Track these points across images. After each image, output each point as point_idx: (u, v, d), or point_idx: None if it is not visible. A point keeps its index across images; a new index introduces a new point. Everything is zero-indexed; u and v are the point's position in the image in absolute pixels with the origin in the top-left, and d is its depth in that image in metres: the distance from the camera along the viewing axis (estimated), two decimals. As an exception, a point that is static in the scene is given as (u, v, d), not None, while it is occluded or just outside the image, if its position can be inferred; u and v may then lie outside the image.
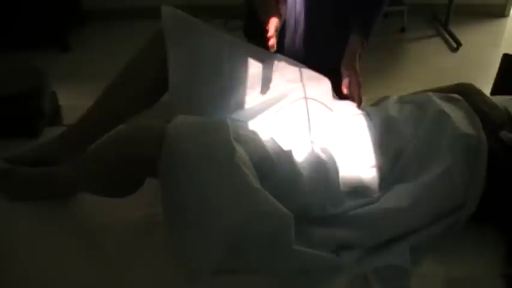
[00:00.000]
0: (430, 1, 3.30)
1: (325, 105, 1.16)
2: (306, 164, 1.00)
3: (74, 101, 1.96)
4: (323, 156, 1.02)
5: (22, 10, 2.79)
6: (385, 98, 1.28)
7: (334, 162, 1.03)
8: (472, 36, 3.08)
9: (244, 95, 1.15)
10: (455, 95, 1.15)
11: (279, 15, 1.11)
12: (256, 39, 1.24)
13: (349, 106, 1.23)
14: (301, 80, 1.20)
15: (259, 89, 1.17)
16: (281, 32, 1.19)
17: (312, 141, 1.06)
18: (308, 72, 1.23)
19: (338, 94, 1.27)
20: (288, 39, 1.33)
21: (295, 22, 1.29)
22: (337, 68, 1.29)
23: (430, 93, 1.16)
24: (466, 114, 1.09)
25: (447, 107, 1.09)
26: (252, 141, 0.97)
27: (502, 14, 3.36)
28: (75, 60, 2.90)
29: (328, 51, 1.30)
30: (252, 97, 1.16)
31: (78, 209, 1.10)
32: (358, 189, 1.05)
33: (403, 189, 1.01)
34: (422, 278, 0.95)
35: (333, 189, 1.01)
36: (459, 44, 2.97)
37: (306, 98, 1.14)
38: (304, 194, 0.98)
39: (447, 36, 3.09)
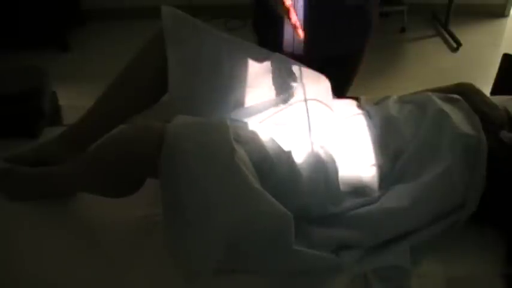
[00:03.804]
0: (430, 1, 3.30)
1: (325, 105, 1.16)
2: (305, 165, 1.00)
3: (74, 101, 1.96)
4: (323, 156, 1.02)
5: (22, 10, 2.79)
6: (386, 98, 1.28)
7: (334, 162, 1.03)
8: (472, 36, 3.08)
9: (243, 94, 1.15)
10: (455, 96, 1.15)
11: None
12: (264, 32, 1.24)
13: (349, 106, 1.23)
14: (301, 80, 1.20)
15: (258, 88, 1.17)
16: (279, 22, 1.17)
17: (312, 142, 1.06)
18: (308, 72, 1.23)
19: (338, 88, 1.26)
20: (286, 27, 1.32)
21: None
22: (336, 57, 1.28)
23: (430, 93, 1.16)
24: (465, 115, 1.09)
25: (447, 107, 1.09)
26: (252, 142, 0.97)
27: (502, 14, 3.36)
28: (75, 60, 2.90)
29: (328, 40, 1.30)
30: (252, 97, 1.16)
31: (78, 208, 1.10)
32: (358, 189, 1.05)
33: (403, 189, 1.01)
34: (422, 278, 0.95)
35: (333, 189, 1.01)
36: (459, 44, 2.96)
37: (305, 97, 1.14)
38: (303, 194, 0.98)
39: (447, 36, 3.09)
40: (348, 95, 1.49)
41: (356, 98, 1.28)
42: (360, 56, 1.46)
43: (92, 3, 3.26)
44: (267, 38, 1.19)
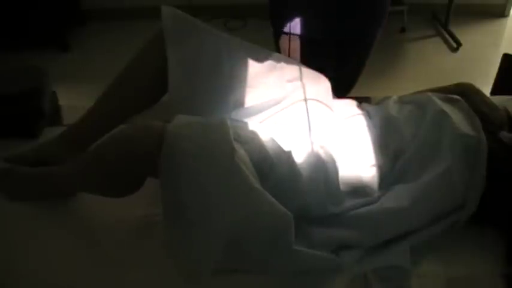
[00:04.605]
0: (430, 1, 3.30)
1: (325, 105, 1.16)
2: (305, 165, 1.00)
3: (74, 101, 1.97)
4: (323, 156, 1.02)
5: (22, 10, 2.79)
6: (386, 98, 1.28)
7: (334, 162, 1.03)
8: (472, 36, 3.08)
9: (243, 94, 1.15)
10: (455, 96, 1.15)
11: None
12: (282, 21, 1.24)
13: (349, 106, 1.23)
14: (301, 79, 1.20)
15: (258, 88, 1.17)
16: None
17: (312, 142, 1.06)
18: (308, 71, 1.23)
19: (348, 80, 1.27)
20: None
21: None
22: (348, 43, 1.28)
23: (430, 94, 1.17)
24: (465, 115, 1.09)
25: (447, 108, 1.09)
26: (252, 142, 0.97)
27: (502, 14, 3.36)
28: (75, 60, 2.90)
29: (329, 23, 1.30)
30: (252, 97, 1.16)
31: (78, 208, 1.10)
32: (358, 189, 1.05)
33: (404, 189, 1.01)
34: (422, 278, 0.95)
35: (333, 189, 1.01)
36: (459, 44, 2.96)
37: (305, 98, 1.14)
38: (303, 194, 0.98)
39: (447, 36, 3.09)
40: (351, 95, 1.49)
41: (366, 99, 1.28)
42: (371, 44, 1.46)
43: (92, 3, 3.26)
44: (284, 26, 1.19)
